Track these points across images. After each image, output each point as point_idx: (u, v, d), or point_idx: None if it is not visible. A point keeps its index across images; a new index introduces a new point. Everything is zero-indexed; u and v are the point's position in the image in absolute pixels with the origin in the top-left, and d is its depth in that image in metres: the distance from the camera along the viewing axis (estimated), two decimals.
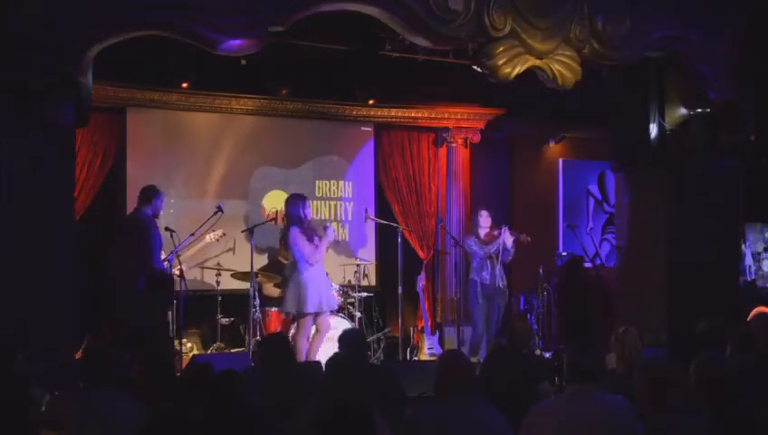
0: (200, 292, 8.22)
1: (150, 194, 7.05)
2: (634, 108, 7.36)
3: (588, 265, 9.25)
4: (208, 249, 8.19)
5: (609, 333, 5.27)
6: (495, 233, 8.36)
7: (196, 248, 7.68)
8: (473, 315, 8.43)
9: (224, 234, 7.85)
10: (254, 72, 7.55)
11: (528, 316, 9.10)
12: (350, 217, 9.49)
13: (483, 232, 8.41)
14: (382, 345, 8.76)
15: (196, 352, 8.05)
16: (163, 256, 7.14)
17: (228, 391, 3.46)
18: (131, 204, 8.06)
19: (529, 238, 8.37)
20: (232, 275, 8.04)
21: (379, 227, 9.35)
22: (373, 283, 9.26)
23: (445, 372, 3.65)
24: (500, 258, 8.28)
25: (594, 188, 10.70)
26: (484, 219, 8.43)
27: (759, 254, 10.22)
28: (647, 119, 7.24)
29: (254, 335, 7.52)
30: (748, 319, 5.70)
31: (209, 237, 7.72)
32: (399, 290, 8.19)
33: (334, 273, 8.56)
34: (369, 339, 8.27)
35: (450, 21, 5.94)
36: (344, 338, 4.82)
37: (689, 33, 6.80)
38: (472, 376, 3.69)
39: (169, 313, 7.23)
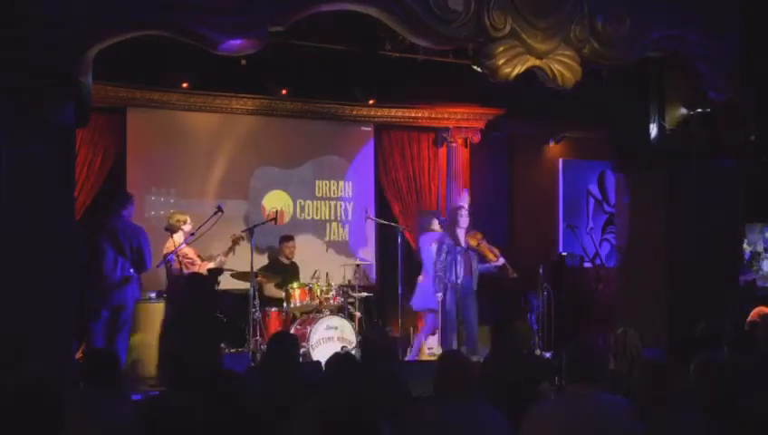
0: None
1: (128, 198, 7.28)
2: (634, 108, 7.36)
3: (587, 264, 9.25)
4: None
5: (595, 330, 5.27)
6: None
7: (226, 254, 7.65)
8: None
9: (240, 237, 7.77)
10: (254, 72, 7.53)
11: (528, 316, 9.08)
12: (349, 217, 9.49)
13: (461, 232, 8.16)
14: None
15: None
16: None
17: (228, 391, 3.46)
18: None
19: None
20: (232, 275, 8.02)
21: (379, 227, 9.35)
22: (373, 283, 9.26)
23: (445, 372, 3.65)
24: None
25: (594, 188, 10.70)
26: (464, 219, 8.20)
27: (759, 254, 10.22)
28: (647, 119, 7.25)
29: (254, 335, 7.52)
30: (748, 319, 5.71)
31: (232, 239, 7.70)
32: (399, 290, 8.19)
33: (334, 273, 8.56)
34: None
35: (450, 21, 5.95)
36: (331, 364, 4.48)
37: (689, 33, 6.80)
38: (472, 376, 3.69)
39: None
